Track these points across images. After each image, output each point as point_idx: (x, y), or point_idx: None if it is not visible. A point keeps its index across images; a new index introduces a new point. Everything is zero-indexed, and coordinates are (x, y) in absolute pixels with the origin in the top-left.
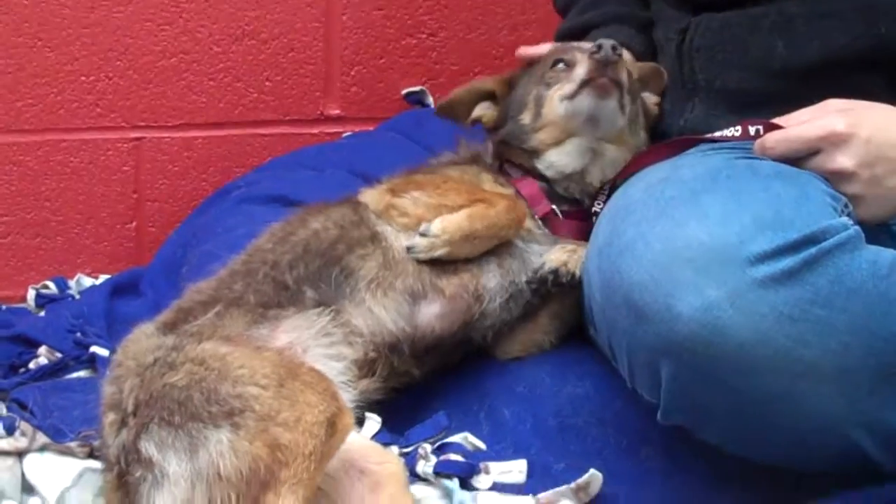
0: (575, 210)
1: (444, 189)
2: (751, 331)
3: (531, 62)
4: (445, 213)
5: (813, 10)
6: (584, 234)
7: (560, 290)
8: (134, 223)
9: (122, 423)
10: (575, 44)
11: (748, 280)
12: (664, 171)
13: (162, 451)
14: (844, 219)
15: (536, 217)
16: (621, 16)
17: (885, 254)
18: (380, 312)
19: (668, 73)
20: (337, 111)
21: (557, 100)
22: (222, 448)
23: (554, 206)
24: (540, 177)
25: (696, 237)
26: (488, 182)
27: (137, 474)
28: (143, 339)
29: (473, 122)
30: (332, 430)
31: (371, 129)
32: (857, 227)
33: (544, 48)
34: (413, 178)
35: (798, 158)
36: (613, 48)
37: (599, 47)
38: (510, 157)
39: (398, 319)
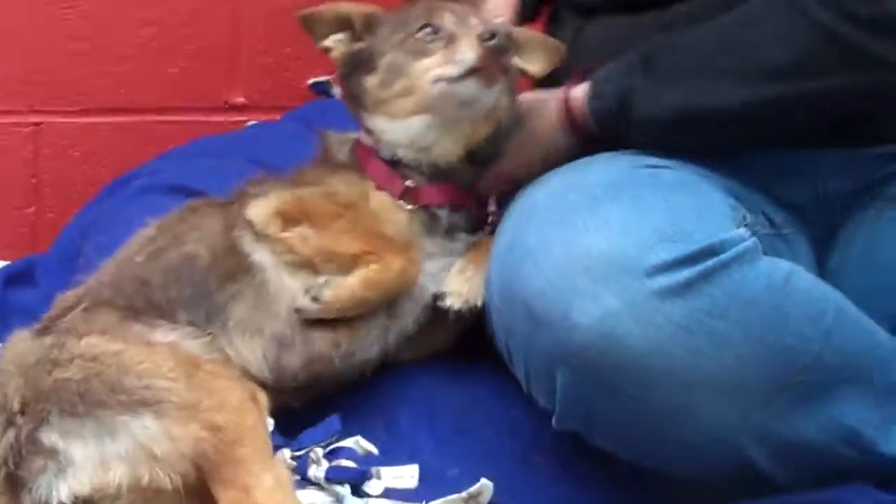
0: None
1: (337, 230)
2: (647, 341)
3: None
4: (337, 264)
5: (695, 17)
6: (450, 197)
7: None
8: (32, 208)
9: (9, 423)
10: (445, 3)
11: (646, 291)
12: (569, 175)
13: (66, 439)
14: (742, 230)
15: (404, 206)
16: None
17: (780, 266)
18: (247, 354)
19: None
20: (241, 100)
21: (430, 79)
22: (151, 433)
23: (408, 182)
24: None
25: (595, 246)
26: (376, 198)
27: (36, 466)
28: (20, 343)
29: (324, 49)
30: (258, 405)
31: (276, 118)
32: (755, 240)
33: None
34: (302, 200)
35: None
36: (508, 35)
37: (493, 35)
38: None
39: (263, 365)
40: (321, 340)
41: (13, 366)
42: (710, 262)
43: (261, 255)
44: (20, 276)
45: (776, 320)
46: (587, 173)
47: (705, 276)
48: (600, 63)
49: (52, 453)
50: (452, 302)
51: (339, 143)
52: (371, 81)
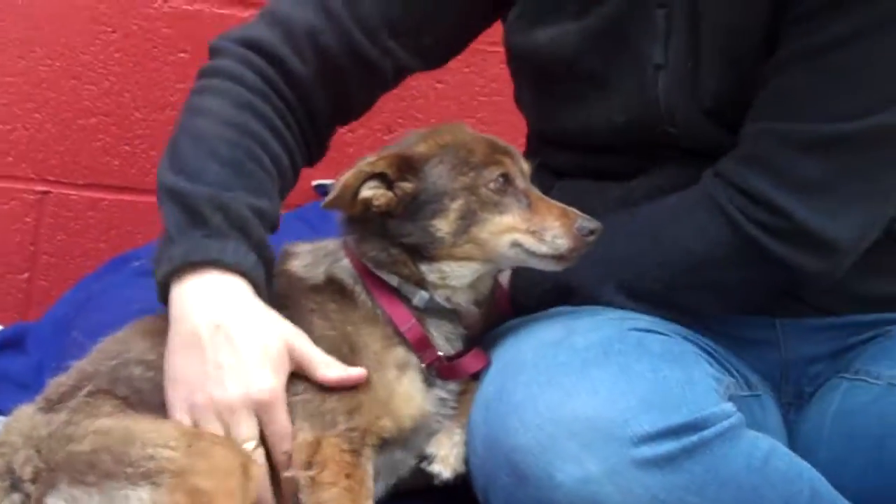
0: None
1: None
2: None
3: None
4: None
5: (652, 191)
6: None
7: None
8: (26, 275)
9: (13, 488)
10: (505, 146)
11: (628, 460)
12: (557, 332)
13: None
14: (727, 405)
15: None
16: None
17: (762, 444)
18: None
19: None
20: None
21: (508, 241)
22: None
23: (441, 353)
24: (417, 282)
25: (583, 411)
26: (382, 341)
27: None
28: (26, 419)
29: (363, 203)
30: (247, 475)
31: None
32: (739, 415)
33: None
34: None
35: None
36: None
37: (592, 232)
38: (383, 258)
39: None
40: None
41: (20, 438)
42: (693, 438)
43: None
44: (11, 343)
45: (750, 499)
46: (575, 331)
47: (688, 452)
48: None
49: None
50: (441, 469)
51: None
52: (440, 226)
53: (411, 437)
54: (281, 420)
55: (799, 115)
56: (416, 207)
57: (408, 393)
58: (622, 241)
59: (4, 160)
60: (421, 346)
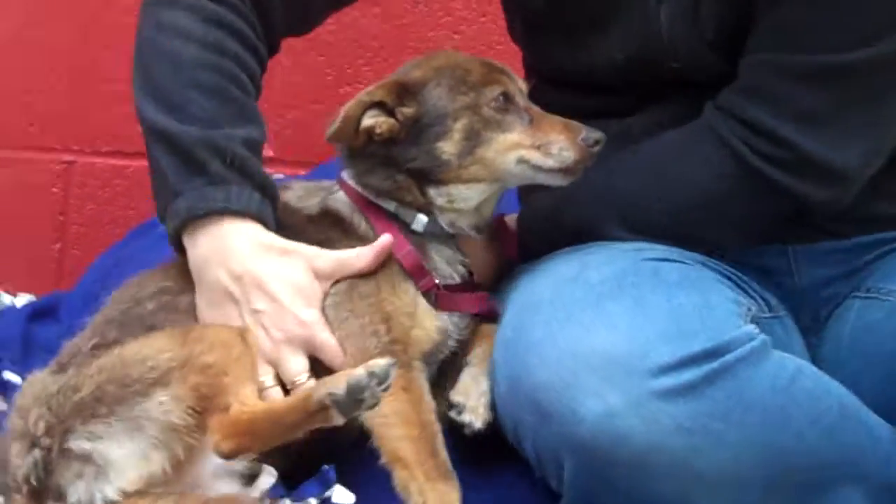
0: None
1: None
2: (649, 439)
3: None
4: None
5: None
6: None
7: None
8: (58, 245)
9: (32, 445)
10: (500, 66)
11: (649, 391)
12: (572, 269)
13: (95, 442)
14: (749, 328)
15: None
16: None
17: (788, 364)
18: None
19: None
20: (270, 153)
21: (514, 158)
22: (166, 406)
23: (438, 281)
24: (420, 208)
25: (602, 346)
26: (388, 264)
27: (71, 474)
28: (37, 382)
29: (366, 133)
30: (246, 342)
31: (303, 173)
32: (762, 337)
33: None
34: None
35: None
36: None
37: (598, 143)
38: (387, 186)
39: None
40: None
41: (32, 400)
42: (714, 364)
43: None
44: (45, 312)
45: (776, 422)
46: (588, 266)
47: (709, 379)
48: None
49: (86, 458)
50: (472, 419)
51: (348, 206)
52: (445, 148)
53: (429, 363)
54: (327, 344)
55: (798, 45)
56: (420, 131)
57: (426, 306)
58: (626, 178)
59: (28, 131)
60: (417, 272)
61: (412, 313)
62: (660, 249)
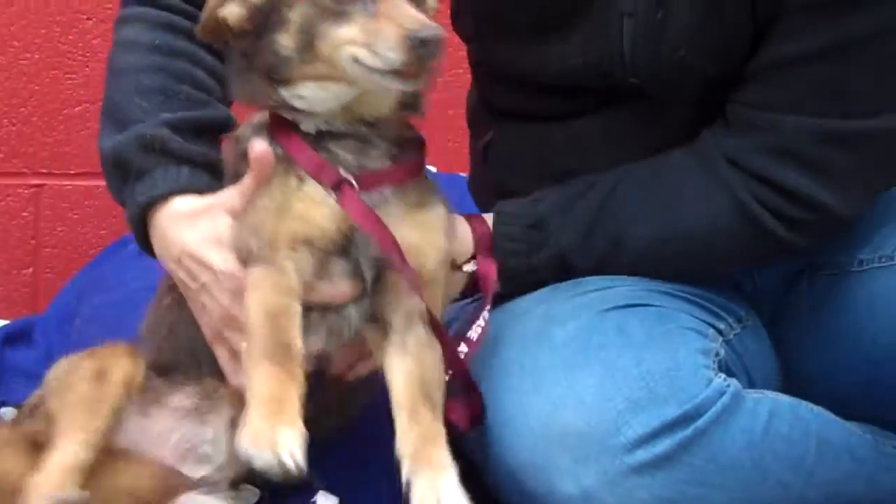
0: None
1: None
2: None
3: None
4: None
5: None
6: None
7: None
8: (31, 269)
9: None
10: None
11: (625, 468)
12: (536, 322)
13: None
14: (719, 381)
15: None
16: None
17: (760, 411)
18: None
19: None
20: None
21: (347, 56)
22: None
23: (346, 175)
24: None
25: (573, 424)
26: (282, 171)
27: None
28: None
29: (226, 27)
30: (106, 377)
31: None
32: (732, 387)
33: None
34: None
35: None
36: (439, 43)
37: (424, 43)
38: (248, 91)
39: None
40: None
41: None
42: (688, 432)
43: None
44: (18, 336)
45: (757, 477)
46: (553, 320)
47: (683, 446)
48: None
49: None
50: None
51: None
52: (283, 42)
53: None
54: None
55: (835, 109)
56: (262, 22)
57: (312, 197)
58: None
59: None
60: (317, 170)
61: (289, 209)
62: (624, 288)
